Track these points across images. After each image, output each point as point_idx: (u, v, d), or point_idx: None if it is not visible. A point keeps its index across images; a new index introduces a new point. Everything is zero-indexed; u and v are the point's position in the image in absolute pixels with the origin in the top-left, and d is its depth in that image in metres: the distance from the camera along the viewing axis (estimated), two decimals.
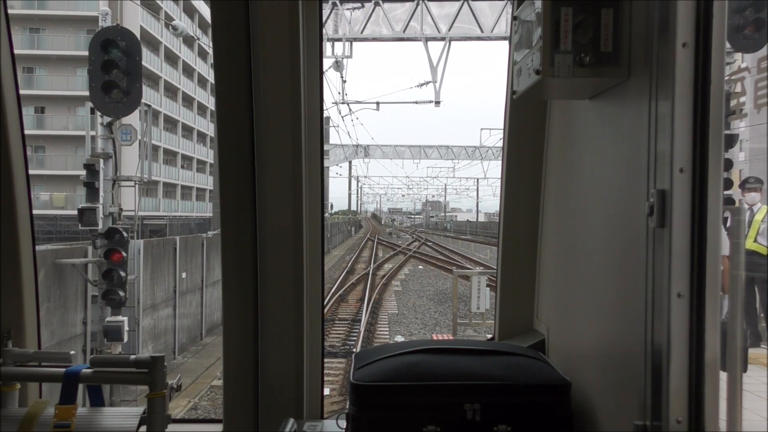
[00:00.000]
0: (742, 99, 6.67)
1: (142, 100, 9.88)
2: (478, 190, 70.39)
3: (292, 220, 2.35)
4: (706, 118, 1.29)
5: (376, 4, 15.43)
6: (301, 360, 2.39)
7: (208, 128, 52.37)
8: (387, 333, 14.79)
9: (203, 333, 17.16)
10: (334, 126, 35.23)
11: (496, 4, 15.09)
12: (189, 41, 45.74)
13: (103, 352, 10.25)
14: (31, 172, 2.55)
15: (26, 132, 2.52)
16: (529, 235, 2.52)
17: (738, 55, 7.54)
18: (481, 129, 59.18)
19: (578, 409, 1.85)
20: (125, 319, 10.12)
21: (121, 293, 9.91)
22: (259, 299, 2.35)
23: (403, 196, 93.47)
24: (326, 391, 9.61)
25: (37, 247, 3.36)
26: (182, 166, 49.72)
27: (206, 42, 35.99)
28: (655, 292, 1.37)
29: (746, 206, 6.97)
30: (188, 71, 50.43)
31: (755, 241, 6.62)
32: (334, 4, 15.37)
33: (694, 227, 1.31)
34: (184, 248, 15.74)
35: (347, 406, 1.89)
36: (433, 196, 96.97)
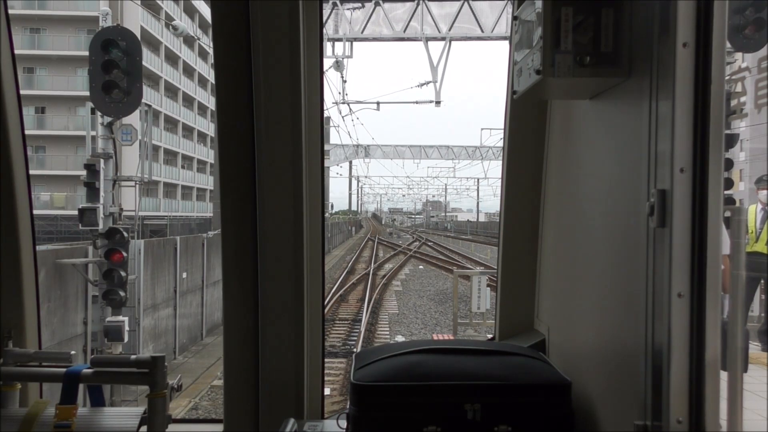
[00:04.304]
0: (742, 99, 6.68)
1: (143, 100, 9.88)
2: (479, 190, 70.43)
3: (293, 220, 2.34)
4: (707, 118, 1.29)
5: (377, 4, 15.42)
6: (301, 360, 2.38)
7: (209, 128, 52.36)
8: (387, 333, 14.79)
9: (204, 333, 17.15)
10: (334, 126, 35.22)
11: (496, 4, 15.08)
12: (189, 41, 45.75)
13: (104, 352, 10.25)
14: (31, 172, 2.55)
15: (27, 132, 2.52)
16: (530, 235, 2.52)
17: (738, 55, 7.56)
18: (482, 129, 59.17)
19: (578, 409, 1.85)
20: (126, 319, 10.11)
21: (122, 293, 9.90)
22: (259, 299, 2.35)
23: (404, 196, 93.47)
24: (326, 391, 9.62)
25: (38, 247, 3.36)
26: (182, 166, 49.72)
27: (206, 42, 35.97)
28: (655, 292, 1.37)
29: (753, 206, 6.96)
30: (188, 71, 50.44)
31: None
32: (335, 4, 15.36)
33: (694, 227, 1.30)
34: (185, 248, 15.74)
35: (347, 406, 1.89)
36: (433, 196, 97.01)
